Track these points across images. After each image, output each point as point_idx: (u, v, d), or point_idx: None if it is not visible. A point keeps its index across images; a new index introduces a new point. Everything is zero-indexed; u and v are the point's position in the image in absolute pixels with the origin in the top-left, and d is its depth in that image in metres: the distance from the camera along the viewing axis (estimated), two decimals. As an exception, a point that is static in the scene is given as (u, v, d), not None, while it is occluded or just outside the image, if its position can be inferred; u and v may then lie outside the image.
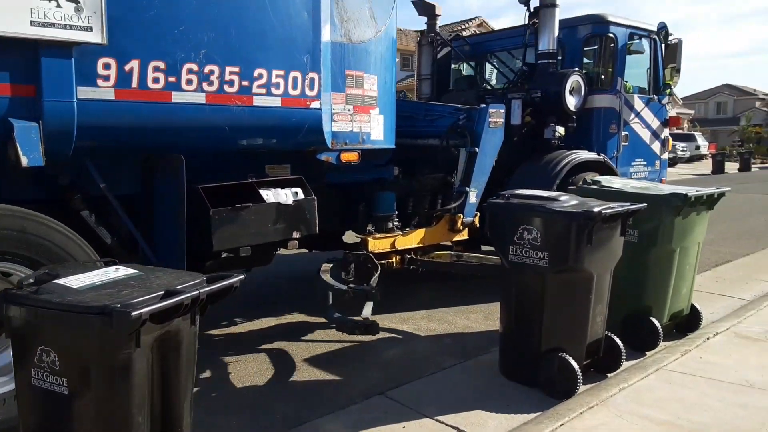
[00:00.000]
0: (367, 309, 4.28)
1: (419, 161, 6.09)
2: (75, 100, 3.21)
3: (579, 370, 3.59)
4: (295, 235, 4.22)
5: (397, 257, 5.25)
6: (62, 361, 2.19)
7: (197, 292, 2.35)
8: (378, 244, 5.04)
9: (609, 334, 4.00)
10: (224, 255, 4.04)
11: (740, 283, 6.34)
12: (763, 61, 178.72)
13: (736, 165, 30.63)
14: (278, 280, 6.70)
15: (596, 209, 3.62)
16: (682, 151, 32.93)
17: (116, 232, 3.70)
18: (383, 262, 5.03)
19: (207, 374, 4.02)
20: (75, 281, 2.40)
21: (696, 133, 37.65)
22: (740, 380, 3.62)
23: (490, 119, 5.68)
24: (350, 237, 5.67)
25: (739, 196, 14.45)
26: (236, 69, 3.88)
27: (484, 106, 5.82)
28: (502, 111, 5.86)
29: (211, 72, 3.77)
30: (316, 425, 3.31)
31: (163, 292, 2.30)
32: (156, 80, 3.55)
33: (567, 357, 3.62)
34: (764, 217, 11.39)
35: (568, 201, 3.88)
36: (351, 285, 4.45)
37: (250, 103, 3.97)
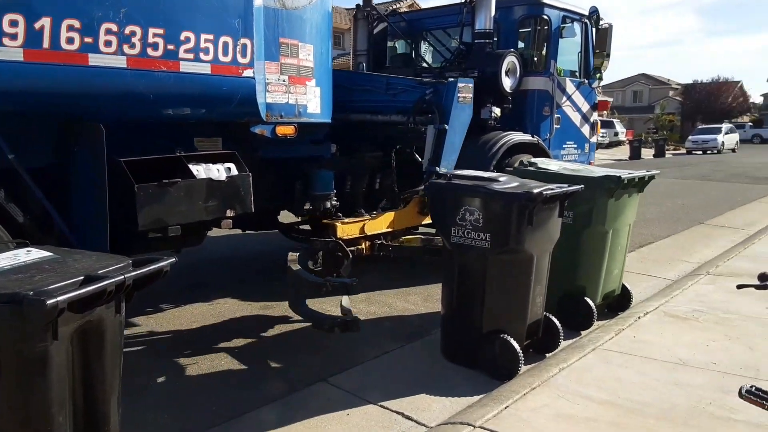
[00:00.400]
0: (345, 301, 4.00)
1: (376, 139, 5.91)
2: (-24, 60, 2.87)
3: (520, 351, 3.58)
4: (229, 213, 3.98)
5: (367, 243, 4.97)
6: (-32, 355, 1.92)
7: (122, 277, 2.11)
8: (347, 229, 4.77)
9: (547, 314, 4.02)
10: (151, 235, 3.74)
11: (664, 264, 6.60)
12: (675, 52, 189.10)
13: (652, 151, 32.25)
14: (209, 262, 6.39)
15: (536, 190, 3.59)
16: (602, 136, 34.28)
17: (29, 210, 3.35)
18: (353, 248, 4.75)
19: (134, 366, 3.73)
20: (-22, 265, 2.11)
21: (615, 120, 39.31)
22: (673, 358, 3.71)
23: (459, 94, 5.49)
24: (285, 217, 5.45)
25: (656, 180, 15.14)
26: (161, 31, 3.58)
27: (453, 80, 5.61)
28: (471, 86, 5.70)
29: (133, 33, 3.46)
30: (256, 416, 3.13)
31: (82, 278, 2.05)
32: (70, 40, 3.22)
33: (509, 338, 3.60)
34: (680, 200, 11.99)
35: (508, 182, 3.84)
36: (329, 278, 4.07)
37: (177, 68, 3.68)
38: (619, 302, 4.90)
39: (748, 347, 3.87)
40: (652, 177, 4.79)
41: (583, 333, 4.33)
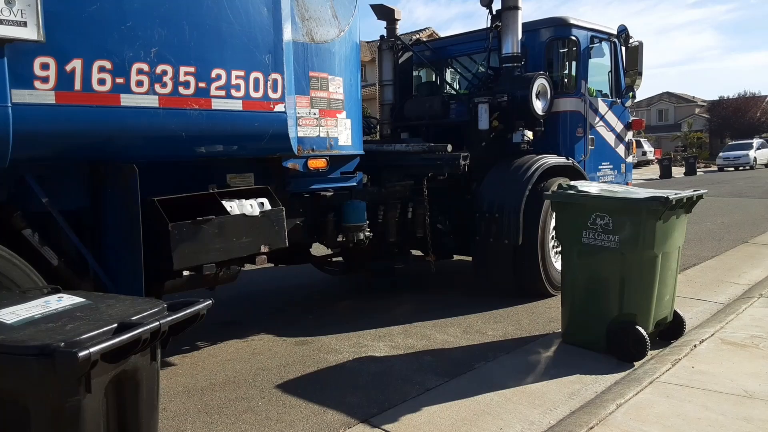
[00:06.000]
0: None
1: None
2: (9, 104, 2.88)
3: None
4: (264, 249, 3.90)
5: None
6: (-4, 412, 1.82)
7: (157, 323, 2.01)
8: None
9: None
10: (186, 274, 3.67)
11: (712, 286, 6.29)
12: (697, 69, 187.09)
13: (682, 169, 31.60)
14: (242, 297, 6.31)
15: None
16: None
17: (63, 253, 3.31)
18: None
19: (170, 409, 3.62)
20: (9, 315, 2.03)
21: (642, 140, 38.73)
22: (738, 390, 3.45)
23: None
24: (318, 249, 5.34)
25: (691, 198, 14.70)
26: (192, 69, 3.56)
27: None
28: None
29: (164, 72, 3.44)
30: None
31: (116, 325, 1.95)
32: (102, 81, 3.20)
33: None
34: (719, 219, 11.59)
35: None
36: None
37: (209, 106, 3.65)
38: (671, 330, 4.63)
39: (819, 376, 3.59)
40: (700, 197, 4.58)
41: (636, 364, 4.08)
